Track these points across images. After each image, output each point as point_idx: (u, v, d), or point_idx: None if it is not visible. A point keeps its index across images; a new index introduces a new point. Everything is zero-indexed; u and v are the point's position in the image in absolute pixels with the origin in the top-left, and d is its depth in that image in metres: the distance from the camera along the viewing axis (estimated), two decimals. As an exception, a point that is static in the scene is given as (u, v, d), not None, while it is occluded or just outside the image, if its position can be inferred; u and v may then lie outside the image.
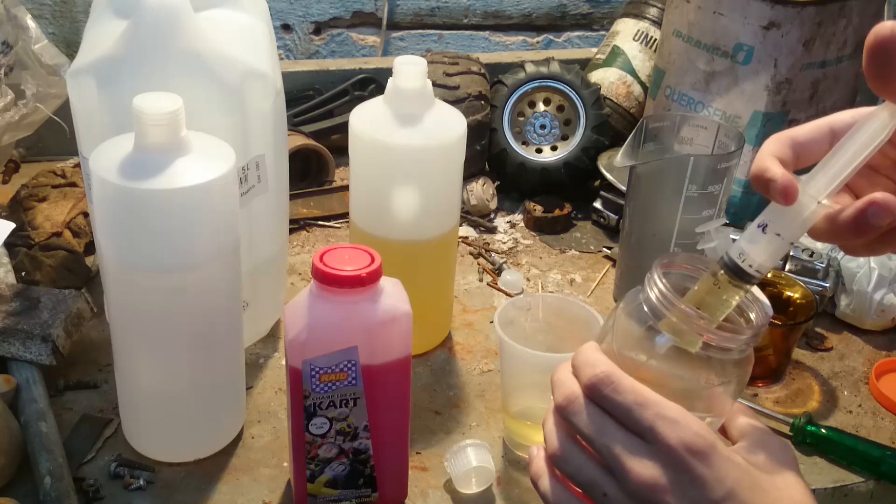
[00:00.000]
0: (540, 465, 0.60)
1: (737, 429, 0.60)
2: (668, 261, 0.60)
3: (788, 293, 0.98)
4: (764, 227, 0.55)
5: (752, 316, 0.59)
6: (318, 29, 1.50)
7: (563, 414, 0.57)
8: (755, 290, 0.59)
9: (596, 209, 1.22)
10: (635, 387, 0.55)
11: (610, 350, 0.59)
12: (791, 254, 1.03)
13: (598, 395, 0.55)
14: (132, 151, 0.70)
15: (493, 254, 1.15)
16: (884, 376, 0.97)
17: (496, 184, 1.25)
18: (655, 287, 0.57)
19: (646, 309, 0.57)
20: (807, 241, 1.04)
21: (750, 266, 0.55)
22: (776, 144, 0.55)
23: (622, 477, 0.54)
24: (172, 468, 0.80)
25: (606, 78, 1.32)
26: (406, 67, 0.84)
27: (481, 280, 1.10)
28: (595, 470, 0.56)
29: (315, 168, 1.26)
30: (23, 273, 0.96)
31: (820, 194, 0.53)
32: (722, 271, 0.56)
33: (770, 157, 0.54)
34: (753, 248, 0.55)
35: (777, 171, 0.53)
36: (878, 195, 0.51)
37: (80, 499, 0.75)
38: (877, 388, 0.94)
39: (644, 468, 0.53)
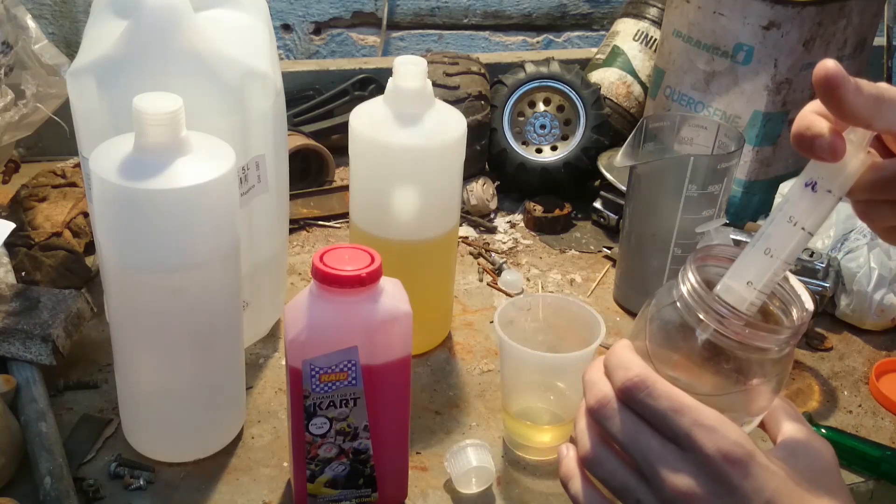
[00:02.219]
0: (570, 466, 0.58)
1: (778, 429, 0.58)
2: (704, 254, 0.57)
3: (788, 293, 0.98)
4: (814, 186, 0.51)
5: (794, 312, 0.56)
6: (318, 29, 1.50)
7: (595, 417, 0.55)
8: (796, 283, 0.57)
9: (596, 209, 1.22)
10: (671, 392, 0.52)
11: (643, 349, 0.56)
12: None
13: (631, 400, 0.53)
14: (132, 151, 0.70)
15: (493, 254, 1.15)
16: (884, 376, 0.97)
17: (496, 184, 1.25)
18: (688, 282, 0.54)
19: (679, 306, 0.54)
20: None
21: (803, 229, 0.52)
22: (817, 104, 0.51)
23: (657, 485, 0.52)
24: (172, 468, 0.80)
25: (606, 78, 1.32)
26: (406, 67, 0.84)
27: (481, 280, 1.10)
28: (628, 476, 0.54)
29: (315, 168, 1.26)
30: (23, 273, 0.96)
31: (863, 142, 0.50)
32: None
33: (812, 113, 0.51)
34: (795, 207, 0.52)
35: (823, 127, 0.50)
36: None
37: (80, 499, 0.75)
38: (877, 388, 0.94)
39: (679, 477, 0.51)
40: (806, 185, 0.52)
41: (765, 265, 0.53)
